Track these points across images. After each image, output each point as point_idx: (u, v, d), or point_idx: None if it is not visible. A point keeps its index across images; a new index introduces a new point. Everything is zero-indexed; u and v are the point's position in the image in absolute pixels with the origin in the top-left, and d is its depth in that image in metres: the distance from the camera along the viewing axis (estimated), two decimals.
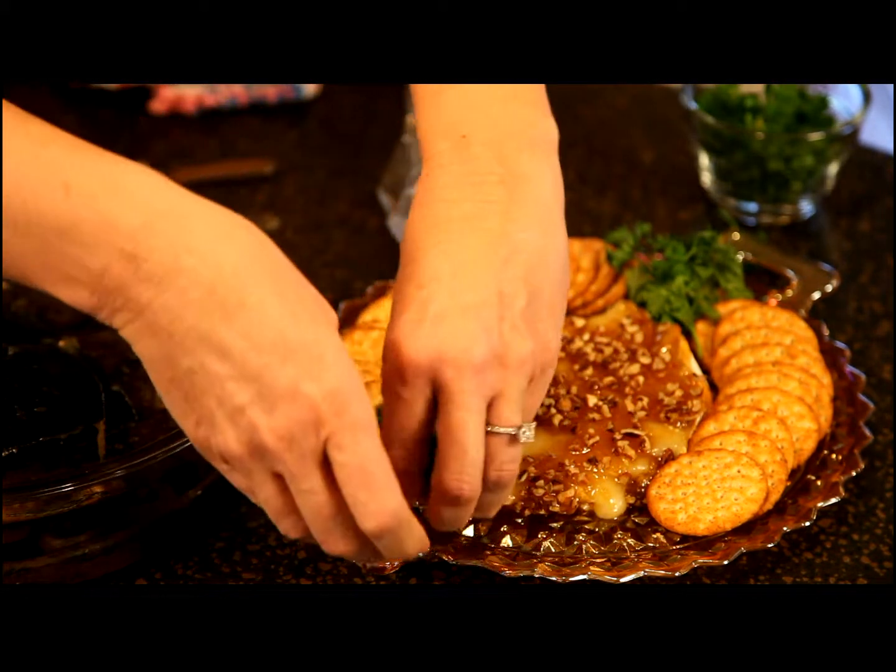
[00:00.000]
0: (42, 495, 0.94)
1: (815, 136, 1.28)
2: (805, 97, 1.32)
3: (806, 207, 1.33)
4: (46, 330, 1.09)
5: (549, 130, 0.95)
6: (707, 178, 1.34)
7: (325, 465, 0.81)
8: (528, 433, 0.90)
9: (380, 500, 0.82)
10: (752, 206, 1.32)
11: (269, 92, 1.47)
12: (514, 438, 0.89)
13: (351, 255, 1.30)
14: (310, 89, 1.48)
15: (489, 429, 0.89)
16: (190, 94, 1.46)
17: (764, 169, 1.29)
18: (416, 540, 0.84)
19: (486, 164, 0.92)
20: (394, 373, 0.88)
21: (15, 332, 1.08)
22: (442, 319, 0.88)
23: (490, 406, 0.89)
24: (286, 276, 0.82)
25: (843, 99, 1.32)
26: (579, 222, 1.33)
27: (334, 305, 1.21)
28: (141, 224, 0.79)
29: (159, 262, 0.79)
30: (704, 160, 1.33)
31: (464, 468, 0.87)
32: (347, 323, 1.16)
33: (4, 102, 0.81)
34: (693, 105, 1.31)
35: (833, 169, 1.31)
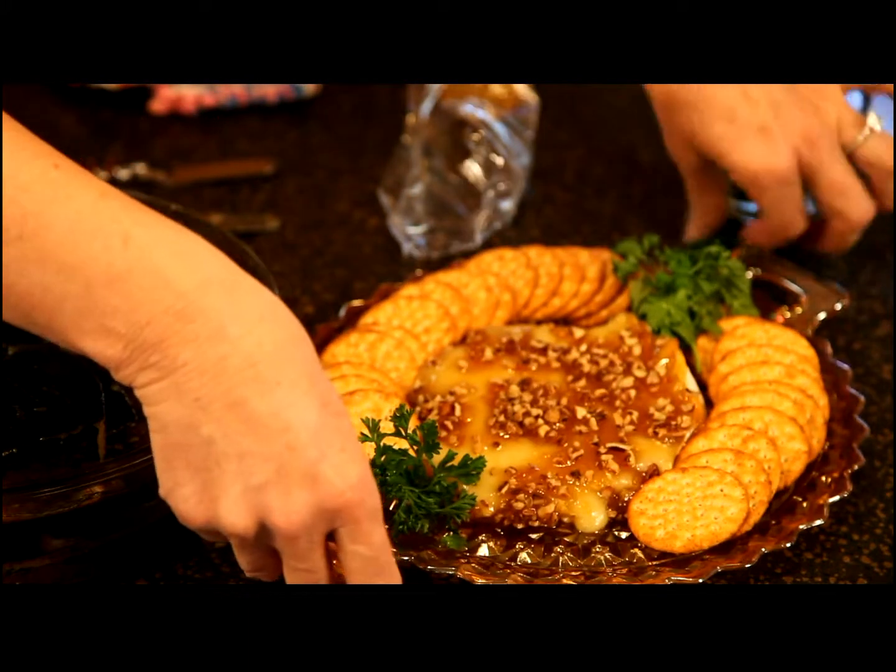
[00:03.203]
0: (42, 495, 0.94)
1: None
2: None
3: (806, 207, 1.33)
4: None
5: None
6: None
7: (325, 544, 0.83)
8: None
9: (385, 582, 0.85)
10: (752, 206, 1.32)
11: (269, 92, 1.47)
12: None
13: (351, 255, 1.30)
14: (310, 89, 1.48)
15: None
16: (190, 94, 1.46)
17: None
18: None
19: None
20: (773, 181, 1.17)
21: (15, 332, 1.08)
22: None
23: None
24: (315, 363, 0.83)
25: None
26: (579, 222, 1.33)
27: (336, 307, 1.22)
28: (194, 286, 0.80)
29: (205, 325, 0.80)
30: None
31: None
32: (348, 324, 1.16)
33: (64, 156, 0.83)
34: None
35: None
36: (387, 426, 1.00)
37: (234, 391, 0.80)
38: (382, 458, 0.99)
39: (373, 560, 0.83)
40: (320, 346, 1.13)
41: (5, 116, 0.83)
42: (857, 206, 1.18)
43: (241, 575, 0.98)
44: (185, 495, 0.81)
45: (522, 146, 1.34)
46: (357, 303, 1.18)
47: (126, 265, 0.80)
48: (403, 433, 0.99)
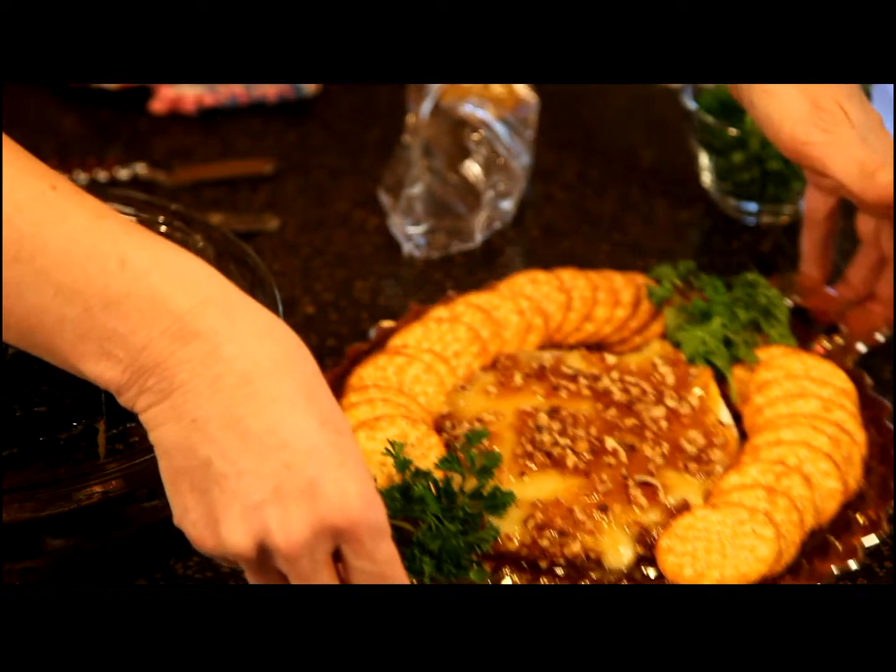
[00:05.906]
0: (42, 495, 0.95)
1: None
2: None
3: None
4: None
5: None
6: (707, 178, 1.34)
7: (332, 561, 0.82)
8: None
9: None
10: (752, 206, 1.32)
11: (269, 92, 1.47)
12: None
13: (351, 255, 1.30)
14: (310, 89, 1.48)
15: None
16: (190, 94, 1.46)
17: (764, 169, 1.29)
18: None
19: None
20: None
21: None
22: None
23: None
24: (316, 379, 0.82)
25: None
26: (579, 222, 1.33)
27: (336, 307, 1.22)
28: (190, 308, 0.80)
29: (201, 346, 0.79)
30: (704, 160, 1.33)
31: None
32: (378, 346, 1.14)
33: (63, 177, 0.83)
34: (693, 105, 1.31)
35: None
36: (411, 452, 1.00)
37: (229, 410, 0.79)
38: (406, 476, 0.98)
39: (378, 576, 0.82)
40: (349, 367, 1.11)
41: (5, 137, 0.83)
42: None
43: (241, 574, 0.98)
44: (194, 520, 0.81)
45: (522, 146, 1.34)
46: (387, 324, 1.16)
47: (123, 288, 0.80)
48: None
